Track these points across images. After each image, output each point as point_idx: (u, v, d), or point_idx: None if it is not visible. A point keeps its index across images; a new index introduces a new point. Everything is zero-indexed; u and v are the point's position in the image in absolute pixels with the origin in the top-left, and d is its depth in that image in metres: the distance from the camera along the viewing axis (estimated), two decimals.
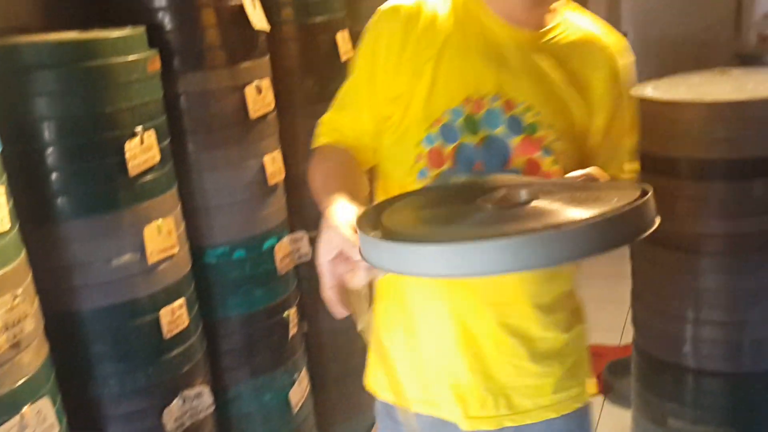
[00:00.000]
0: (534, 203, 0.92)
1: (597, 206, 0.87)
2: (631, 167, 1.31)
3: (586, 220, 0.82)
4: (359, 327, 1.01)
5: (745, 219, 1.95)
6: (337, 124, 1.28)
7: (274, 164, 2.04)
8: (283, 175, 2.10)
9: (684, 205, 1.99)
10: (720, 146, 1.92)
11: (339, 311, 0.98)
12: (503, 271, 0.79)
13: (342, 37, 2.36)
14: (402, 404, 1.29)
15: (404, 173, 1.23)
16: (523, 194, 0.95)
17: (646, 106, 2.01)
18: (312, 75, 2.30)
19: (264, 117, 2.01)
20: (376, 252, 0.88)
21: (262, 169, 2.01)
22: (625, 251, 2.28)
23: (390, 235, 0.89)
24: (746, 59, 5.05)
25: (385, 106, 1.22)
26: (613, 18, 5.74)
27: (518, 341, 1.27)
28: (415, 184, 1.21)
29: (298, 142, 2.31)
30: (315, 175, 1.20)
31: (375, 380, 1.40)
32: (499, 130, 1.20)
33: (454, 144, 1.21)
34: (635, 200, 0.88)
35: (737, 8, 5.54)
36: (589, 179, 1.04)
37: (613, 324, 3.22)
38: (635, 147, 1.33)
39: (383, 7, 1.23)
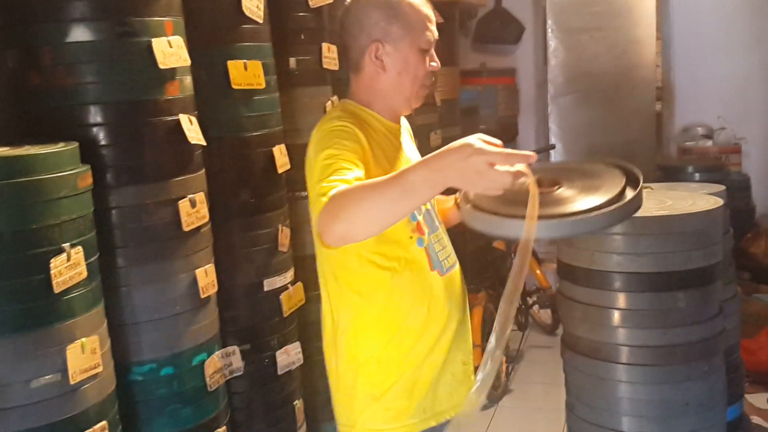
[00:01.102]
0: (562, 189, 1.50)
1: (601, 194, 1.45)
2: None
3: (609, 207, 1.40)
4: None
5: (671, 330, 2.00)
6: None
7: (206, 277, 2.02)
8: (215, 288, 2.08)
9: (612, 316, 2.04)
10: (644, 259, 1.99)
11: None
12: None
13: (279, 151, 2.39)
14: (427, 426, 1.73)
15: (403, 245, 1.68)
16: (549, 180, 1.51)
17: None
18: (248, 187, 2.31)
19: (198, 230, 2.00)
20: (490, 223, 1.44)
21: (195, 282, 1.98)
22: (559, 361, 2.30)
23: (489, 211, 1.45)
24: (668, 170, 5.30)
25: None
26: (541, 132, 5.99)
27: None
28: (417, 251, 1.69)
29: (234, 254, 2.31)
30: (356, 190, 1.40)
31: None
32: None
33: (421, 215, 1.73)
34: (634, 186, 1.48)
35: (658, 123, 5.85)
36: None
37: None
38: None
39: (340, 120, 1.63)
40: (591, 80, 6.03)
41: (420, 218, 1.73)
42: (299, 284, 2.50)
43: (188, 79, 2.02)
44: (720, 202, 2.11)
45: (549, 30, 6.18)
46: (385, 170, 1.58)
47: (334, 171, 1.49)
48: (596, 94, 5.95)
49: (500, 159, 1.27)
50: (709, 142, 5.64)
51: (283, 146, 2.41)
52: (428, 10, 1.72)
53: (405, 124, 1.86)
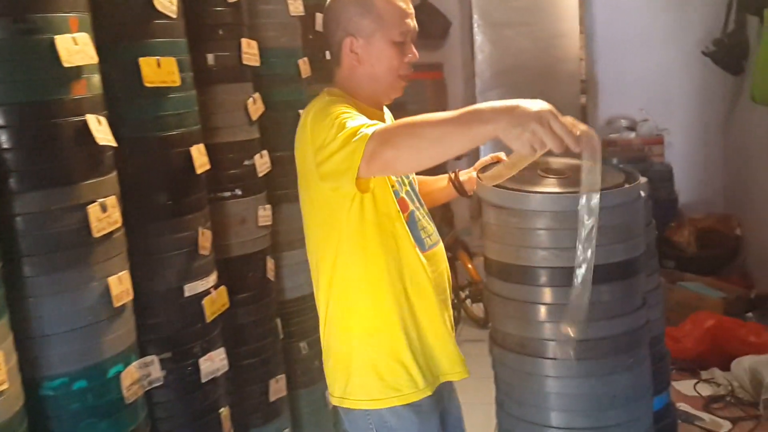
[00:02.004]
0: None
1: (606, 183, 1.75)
2: None
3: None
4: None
5: (596, 323, 2.00)
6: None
7: (120, 285, 1.93)
8: (131, 296, 1.99)
9: (538, 312, 2.03)
10: (568, 254, 1.97)
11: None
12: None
13: (197, 150, 2.31)
14: (422, 396, 1.91)
15: (391, 220, 1.81)
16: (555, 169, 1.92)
17: (497, 214, 2.06)
18: (165, 189, 2.22)
19: (109, 236, 1.91)
20: (511, 197, 1.83)
21: (107, 290, 1.89)
22: (488, 357, 2.29)
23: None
24: None
25: None
26: None
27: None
28: (402, 226, 1.84)
29: (152, 259, 2.22)
30: (406, 122, 1.57)
31: (388, 391, 1.87)
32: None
33: (403, 192, 1.89)
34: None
35: (582, 115, 5.95)
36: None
37: (483, 429, 3.20)
38: None
39: (331, 97, 1.82)
40: (517, 74, 6.10)
41: (402, 195, 1.87)
42: (222, 288, 2.43)
43: (96, 78, 1.92)
44: (642, 194, 2.12)
45: (475, 25, 6.22)
46: None
47: (355, 119, 1.65)
48: (523, 88, 6.02)
49: (560, 127, 1.44)
50: (633, 134, 5.76)
51: (201, 146, 2.33)
52: (402, 3, 1.82)
53: (388, 113, 2.02)
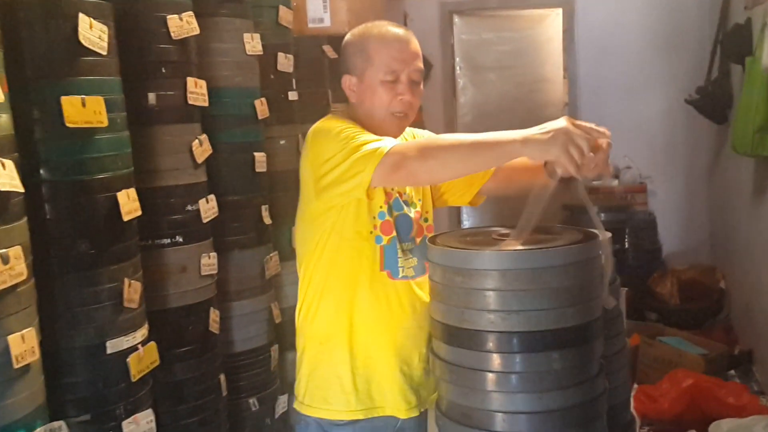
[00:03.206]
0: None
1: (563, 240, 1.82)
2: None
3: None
4: None
5: (546, 394, 1.83)
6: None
7: (24, 344, 1.75)
8: (36, 356, 1.81)
9: (485, 380, 1.85)
10: (516, 318, 1.81)
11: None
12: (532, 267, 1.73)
13: (126, 196, 2.14)
14: (352, 417, 1.90)
15: (361, 238, 1.86)
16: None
17: (443, 273, 1.90)
18: (86, 237, 2.05)
19: (12, 290, 1.73)
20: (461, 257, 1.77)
21: (7, 350, 1.72)
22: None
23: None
24: (574, 210, 5.24)
25: None
26: None
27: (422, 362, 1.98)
28: (371, 247, 1.87)
29: (71, 312, 2.05)
30: (435, 138, 1.80)
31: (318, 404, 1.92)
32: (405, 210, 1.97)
33: (396, 218, 1.91)
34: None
35: None
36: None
37: None
38: None
39: (336, 116, 1.93)
40: (500, 118, 5.98)
41: (389, 219, 1.89)
42: (152, 344, 2.24)
43: (4, 118, 1.77)
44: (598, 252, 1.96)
45: (458, 68, 6.13)
46: None
47: (361, 134, 1.74)
48: None
49: (584, 126, 1.62)
50: (616, 182, 5.62)
51: (132, 190, 2.17)
52: (396, 44, 1.86)
53: None
